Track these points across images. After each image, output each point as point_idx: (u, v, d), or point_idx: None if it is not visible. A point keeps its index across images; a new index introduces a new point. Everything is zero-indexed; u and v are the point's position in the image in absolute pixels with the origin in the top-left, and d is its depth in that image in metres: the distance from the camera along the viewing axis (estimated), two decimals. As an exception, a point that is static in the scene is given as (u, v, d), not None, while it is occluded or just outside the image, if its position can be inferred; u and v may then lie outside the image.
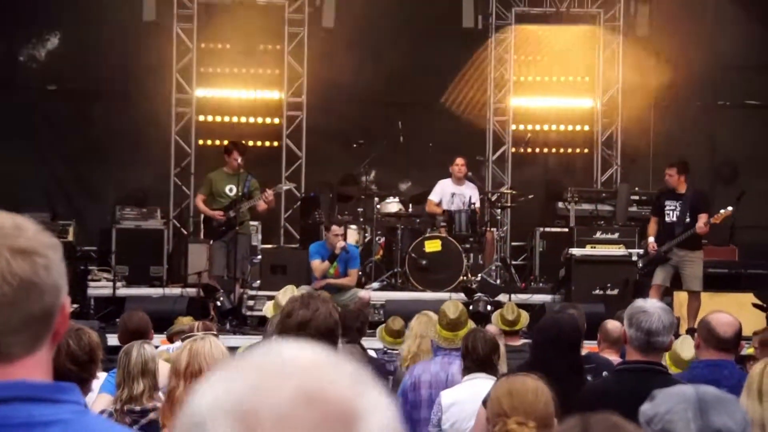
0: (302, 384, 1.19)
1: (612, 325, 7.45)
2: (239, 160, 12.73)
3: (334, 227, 12.34)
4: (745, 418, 2.41)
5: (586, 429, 1.68)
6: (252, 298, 13.13)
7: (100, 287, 13.65)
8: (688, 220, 11.99)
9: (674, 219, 12.07)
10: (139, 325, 6.92)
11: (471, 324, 6.56)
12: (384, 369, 7.13)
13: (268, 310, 7.21)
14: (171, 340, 8.44)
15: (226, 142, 13.74)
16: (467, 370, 5.70)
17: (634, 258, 12.43)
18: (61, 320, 1.78)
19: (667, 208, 12.17)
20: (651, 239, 12.25)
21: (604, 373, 5.28)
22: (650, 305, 4.63)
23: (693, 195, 12.20)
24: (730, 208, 12.18)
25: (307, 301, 3.44)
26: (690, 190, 12.24)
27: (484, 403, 4.82)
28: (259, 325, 12.50)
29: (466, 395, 5.47)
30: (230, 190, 12.77)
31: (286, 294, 7.04)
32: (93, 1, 16.14)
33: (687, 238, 11.95)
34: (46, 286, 1.73)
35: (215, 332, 6.59)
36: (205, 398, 1.21)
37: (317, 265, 12.25)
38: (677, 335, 9.72)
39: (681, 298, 12.27)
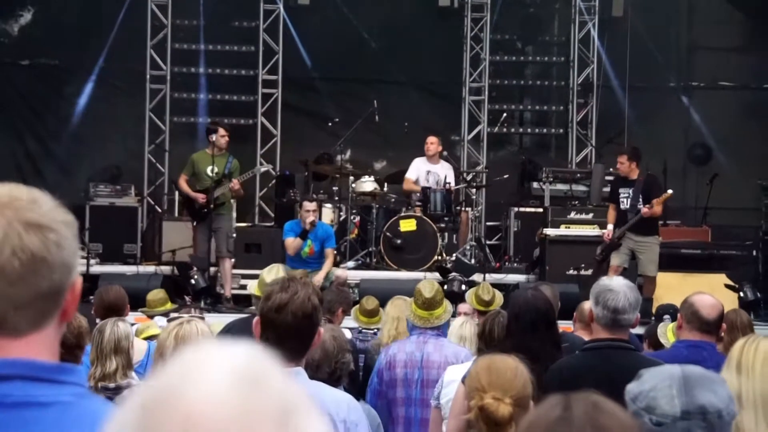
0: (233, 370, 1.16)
1: (588, 305, 7.46)
2: (226, 137, 12.67)
3: (306, 203, 12.32)
4: (729, 395, 2.43)
5: (568, 407, 1.68)
6: (226, 276, 13.09)
7: (73, 264, 13.56)
8: (640, 206, 12.01)
9: (627, 206, 12.10)
10: (116, 300, 6.88)
11: (447, 303, 6.55)
12: (355, 347, 7.11)
13: (253, 288, 7.16)
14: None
15: (201, 121, 13.67)
16: (479, 351, 5.69)
17: (597, 251, 12.45)
18: (71, 299, 1.75)
19: (621, 195, 12.19)
20: (610, 227, 12.26)
21: (577, 352, 5.30)
22: (616, 283, 4.67)
23: (644, 181, 12.20)
24: (670, 191, 12.17)
25: (286, 285, 3.44)
26: (641, 175, 12.25)
27: (463, 380, 4.84)
28: (235, 303, 12.49)
29: None
30: (212, 170, 12.72)
31: (271, 272, 6.97)
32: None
33: (641, 223, 11.95)
34: (56, 263, 1.69)
35: (201, 315, 6.56)
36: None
37: (290, 242, 12.22)
38: (652, 316, 9.81)
39: (660, 278, 12.32)
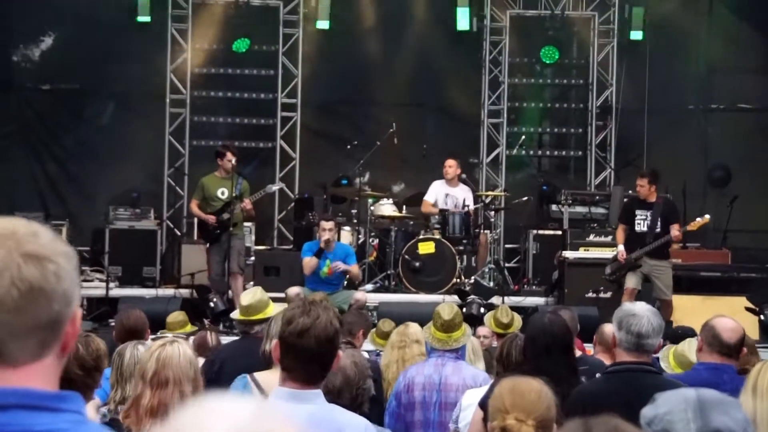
0: None
1: (608, 328, 7.44)
2: (233, 161, 12.72)
3: (323, 222, 12.30)
4: (745, 419, 2.42)
5: (588, 431, 1.68)
6: (245, 299, 13.09)
7: (92, 288, 13.61)
8: (658, 229, 11.98)
9: (645, 228, 12.06)
10: (136, 324, 6.90)
11: (465, 326, 6.55)
12: (378, 369, 7.10)
13: (235, 314, 7.14)
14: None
15: (219, 144, 13.73)
16: (498, 375, 5.68)
17: (608, 271, 12.38)
18: (71, 331, 1.76)
19: (638, 217, 12.14)
20: (621, 247, 12.19)
21: (597, 375, 5.29)
22: (639, 309, 4.65)
23: (663, 204, 12.18)
24: (707, 216, 12.15)
25: (308, 309, 3.44)
26: (660, 199, 12.23)
27: (481, 405, 4.83)
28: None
29: None
30: (222, 193, 12.78)
31: (248, 295, 6.97)
32: (87, 2, 16.15)
33: (658, 247, 11.94)
34: (55, 294, 1.71)
35: (185, 336, 6.52)
36: None
37: (306, 261, 12.19)
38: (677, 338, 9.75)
39: (680, 301, 12.28)
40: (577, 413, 4.02)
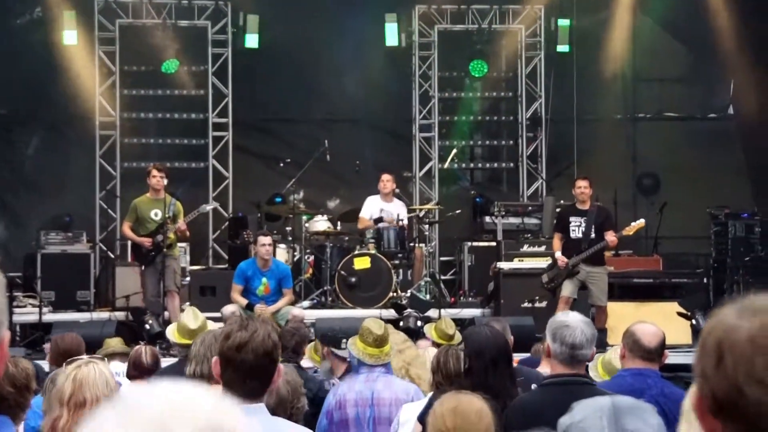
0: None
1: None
2: (158, 177, 12.57)
3: (261, 237, 12.28)
4: (659, 422, 2.48)
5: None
6: (181, 320, 13.01)
7: (25, 313, 13.44)
8: (593, 235, 12.12)
9: (580, 235, 12.19)
10: (70, 346, 6.84)
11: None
12: (323, 387, 7.08)
13: (172, 333, 7.09)
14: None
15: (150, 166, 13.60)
16: (438, 385, 5.68)
17: (545, 279, 12.45)
18: (0, 355, 1.76)
19: (572, 224, 12.26)
20: (559, 254, 12.30)
21: (533, 386, 5.35)
22: (572, 319, 4.71)
23: (597, 211, 12.33)
24: (642, 220, 12.33)
25: (245, 323, 3.47)
26: (593, 206, 12.37)
27: (420, 419, 4.86)
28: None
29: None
30: (155, 214, 12.67)
31: (188, 315, 6.95)
32: (12, 27, 15.99)
33: (594, 253, 12.07)
34: None
35: (100, 357, 6.43)
36: None
37: (235, 293, 12.23)
38: (607, 345, 9.88)
39: (613, 308, 12.42)
40: (518, 425, 4.07)
